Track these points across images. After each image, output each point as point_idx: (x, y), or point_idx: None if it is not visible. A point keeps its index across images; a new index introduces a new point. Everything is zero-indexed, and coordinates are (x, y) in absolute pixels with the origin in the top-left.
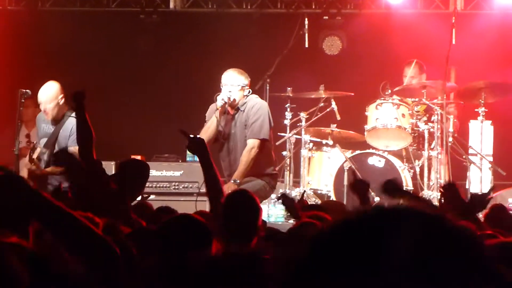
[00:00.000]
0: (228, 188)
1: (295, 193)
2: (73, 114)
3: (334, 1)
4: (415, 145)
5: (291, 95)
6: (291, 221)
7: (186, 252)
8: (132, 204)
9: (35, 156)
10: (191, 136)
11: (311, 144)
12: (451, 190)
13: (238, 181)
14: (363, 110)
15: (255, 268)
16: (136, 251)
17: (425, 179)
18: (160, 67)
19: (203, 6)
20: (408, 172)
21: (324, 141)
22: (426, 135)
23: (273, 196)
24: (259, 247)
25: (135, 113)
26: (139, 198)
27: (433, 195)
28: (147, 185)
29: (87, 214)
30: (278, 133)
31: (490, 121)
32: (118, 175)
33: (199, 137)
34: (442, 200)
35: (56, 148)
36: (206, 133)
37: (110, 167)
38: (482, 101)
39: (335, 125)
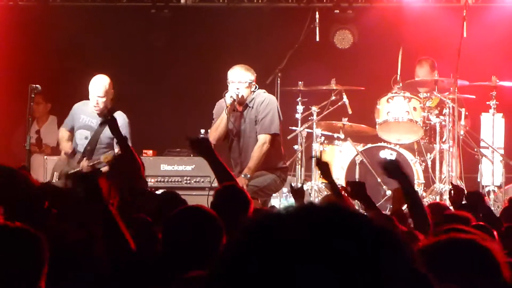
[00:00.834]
0: (239, 182)
1: (307, 186)
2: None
3: None
4: (426, 138)
5: (302, 89)
6: None
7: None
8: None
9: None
10: (194, 138)
11: (323, 138)
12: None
13: (248, 175)
14: (374, 103)
15: None
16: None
17: (437, 172)
18: (172, 61)
19: (214, 0)
20: (420, 165)
21: (335, 135)
22: (438, 129)
23: (285, 189)
24: None
25: (147, 108)
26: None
27: (444, 188)
28: (158, 179)
29: None
30: (290, 127)
31: (502, 114)
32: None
33: (203, 137)
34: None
35: (100, 142)
36: (216, 131)
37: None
38: (494, 94)
39: (346, 118)
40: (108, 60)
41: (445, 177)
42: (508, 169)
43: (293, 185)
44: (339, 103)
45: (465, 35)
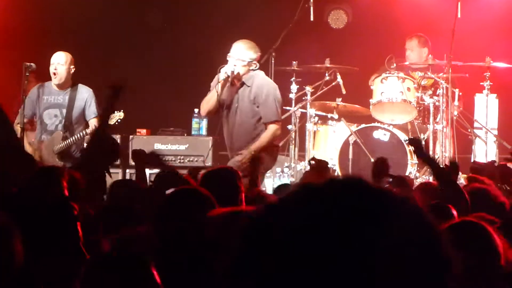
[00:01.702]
0: (245, 156)
1: (300, 167)
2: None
3: None
4: (420, 118)
5: (296, 68)
6: None
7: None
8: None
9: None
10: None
11: (317, 118)
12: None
13: (252, 152)
14: (368, 83)
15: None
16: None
17: (430, 152)
18: (166, 40)
19: None
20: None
21: (329, 115)
22: (432, 109)
23: (278, 169)
24: None
25: (141, 87)
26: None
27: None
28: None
29: None
30: (284, 107)
31: (495, 95)
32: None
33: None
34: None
35: (73, 118)
36: (208, 103)
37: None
38: (488, 75)
39: (340, 99)
40: (102, 38)
41: (438, 157)
42: (502, 149)
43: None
44: (333, 83)
45: (459, 16)
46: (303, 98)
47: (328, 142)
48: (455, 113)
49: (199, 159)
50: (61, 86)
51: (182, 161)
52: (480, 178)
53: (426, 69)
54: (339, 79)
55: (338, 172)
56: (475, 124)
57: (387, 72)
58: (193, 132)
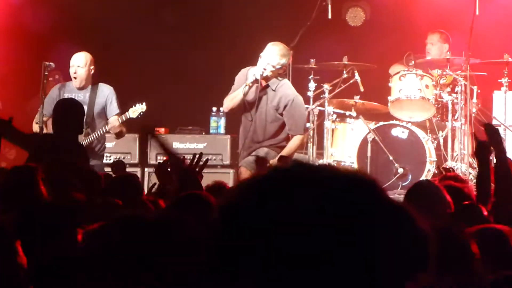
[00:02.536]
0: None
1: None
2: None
3: None
4: (438, 116)
5: (314, 66)
6: None
7: None
8: None
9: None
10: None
11: (335, 115)
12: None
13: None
14: (386, 81)
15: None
16: None
17: (449, 150)
18: (185, 39)
19: None
20: (432, 143)
21: (347, 113)
22: (450, 106)
23: None
24: None
25: (159, 86)
26: None
27: (456, 166)
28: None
29: None
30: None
31: None
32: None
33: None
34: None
35: (95, 114)
36: (231, 101)
37: (134, 140)
38: (506, 72)
39: (358, 96)
40: (119, 37)
41: (457, 155)
42: None
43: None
44: (351, 81)
45: (477, 13)
46: (321, 96)
47: (346, 140)
48: (474, 110)
49: (218, 157)
50: (81, 87)
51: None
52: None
53: (444, 67)
54: (357, 76)
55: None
56: (494, 121)
57: (406, 68)
58: (211, 131)
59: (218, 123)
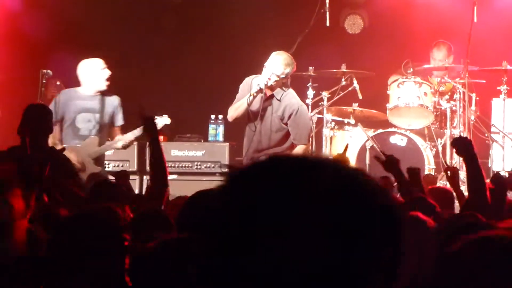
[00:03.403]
0: None
1: None
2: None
3: None
4: (437, 123)
5: (312, 74)
6: None
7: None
8: None
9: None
10: (148, 116)
11: (333, 123)
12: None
13: None
14: (385, 88)
15: None
16: None
17: (448, 157)
18: (183, 46)
19: None
20: (430, 150)
21: (346, 120)
22: (449, 114)
23: None
24: None
25: (157, 93)
26: None
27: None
28: (169, 165)
29: None
30: None
31: None
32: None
33: (154, 119)
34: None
35: (105, 123)
36: (235, 111)
37: (132, 147)
38: (504, 79)
39: (357, 104)
40: (118, 44)
41: (455, 162)
42: None
43: None
44: (350, 88)
45: (475, 20)
46: (320, 103)
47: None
48: (472, 117)
49: (216, 165)
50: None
51: (198, 167)
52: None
53: (443, 74)
54: (355, 84)
55: None
56: (492, 129)
57: (404, 76)
58: (209, 138)
59: (216, 131)
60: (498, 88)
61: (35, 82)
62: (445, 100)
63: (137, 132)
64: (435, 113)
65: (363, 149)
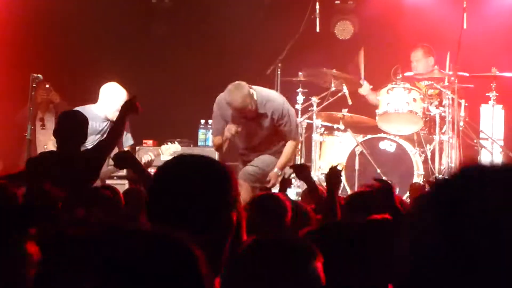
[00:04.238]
0: (272, 177)
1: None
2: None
3: None
4: (426, 129)
5: (302, 79)
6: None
7: None
8: None
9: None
10: (119, 154)
11: (323, 128)
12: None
13: (280, 172)
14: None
15: None
16: None
17: (436, 163)
18: (172, 51)
19: None
20: (420, 156)
21: (335, 126)
22: (438, 120)
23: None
24: None
25: (146, 97)
26: None
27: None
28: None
29: None
30: None
31: (501, 105)
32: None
33: (124, 151)
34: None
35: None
36: (217, 147)
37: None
38: (493, 85)
39: (346, 109)
40: (108, 50)
41: (444, 168)
42: (508, 160)
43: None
44: (339, 94)
45: (465, 27)
46: (309, 108)
47: (335, 152)
48: (461, 123)
49: None
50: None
51: None
52: None
53: (431, 79)
54: (345, 89)
55: (344, 183)
56: (481, 135)
57: (393, 82)
58: (199, 143)
59: (206, 136)
60: (487, 94)
61: (25, 87)
62: (434, 106)
63: (154, 155)
64: (424, 119)
65: (352, 155)
